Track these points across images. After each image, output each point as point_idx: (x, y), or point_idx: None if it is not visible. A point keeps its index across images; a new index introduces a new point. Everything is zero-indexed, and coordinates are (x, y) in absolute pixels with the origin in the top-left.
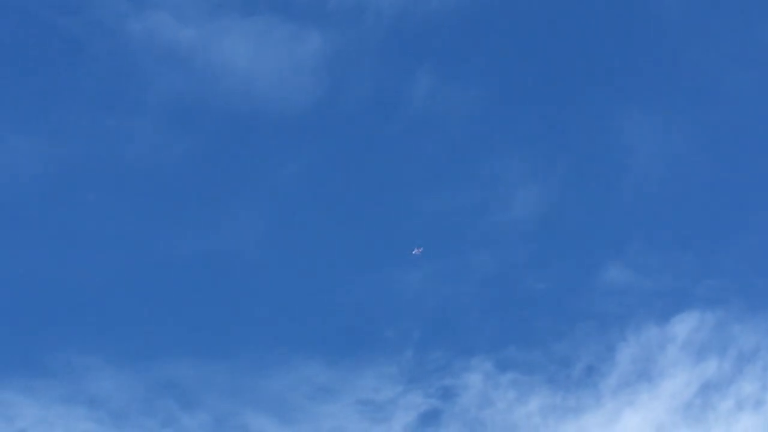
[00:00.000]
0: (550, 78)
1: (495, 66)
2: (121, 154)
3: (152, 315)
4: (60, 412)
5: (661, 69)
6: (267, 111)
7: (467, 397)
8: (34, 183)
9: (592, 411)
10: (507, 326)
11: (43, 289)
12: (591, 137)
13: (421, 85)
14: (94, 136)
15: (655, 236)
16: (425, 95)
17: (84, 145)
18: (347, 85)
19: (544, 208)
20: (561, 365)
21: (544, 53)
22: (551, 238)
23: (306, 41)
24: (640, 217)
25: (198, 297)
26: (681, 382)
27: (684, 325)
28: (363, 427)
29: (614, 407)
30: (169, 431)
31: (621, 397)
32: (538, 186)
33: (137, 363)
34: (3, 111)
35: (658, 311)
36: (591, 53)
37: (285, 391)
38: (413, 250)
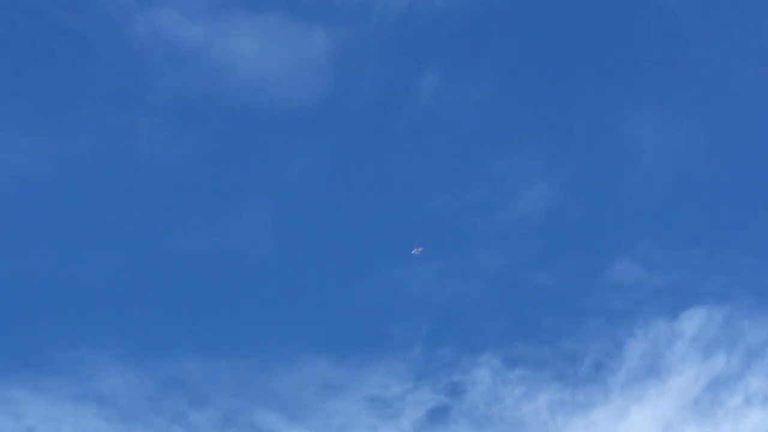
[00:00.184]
0: (556, 76)
1: (501, 64)
2: (128, 152)
3: (160, 313)
4: (68, 409)
5: (668, 66)
6: (274, 108)
7: (475, 393)
8: (42, 181)
9: (600, 407)
10: (515, 323)
11: (50, 287)
12: (598, 134)
13: (428, 83)
14: (101, 133)
15: (663, 233)
16: (431, 93)
17: (91, 143)
18: (354, 83)
19: (552, 205)
20: (569, 361)
21: (550, 51)
22: (559, 235)
23: (313, 39)
24: (648, 214)
25: (206, 295)
26: (689, 378)
27: (692, 321)
28: (372, 424)
29: (622, 403)
30: (177, 428)
31: (629, 392)
32: (545, 183)
33: (146, 361)
34: (11, 109)
35: (666, 307)
36: (597, 51)
37: (293, 388)
38: (413, 250)
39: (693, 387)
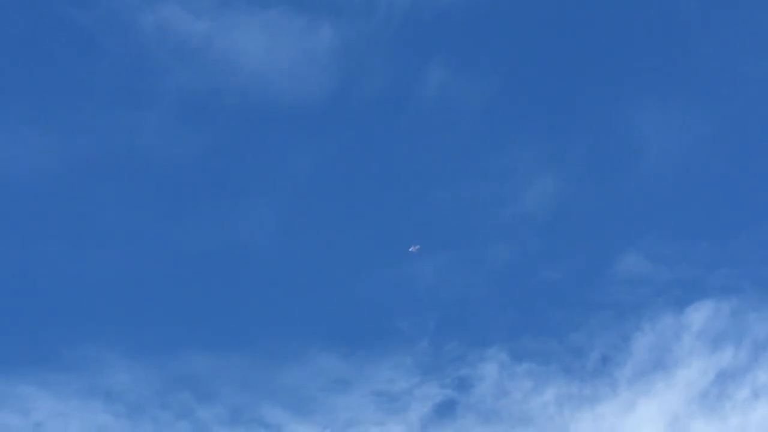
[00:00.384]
0: (561, 71)
1: (507, 58)
2: (134, 148)
3: (168, 308)
4: (76, 405)
5: (673, 60)
6: (280, 104)
7: (483, 388)
8: (47, 177)
9: (607, 400)
10: (522, 317)
11: (56, 283)
12: (604, 127)
13: (434, 77)
14: (107, 129)
15: (670, 226)
16: (437, 88)
17: (97, 139)
18: (360, 77)
19: (558, 199)
20: (576, 355)
21: (555, 46)
22: (565, 229)
23: (318, 34)
24: (655, 207)
25: (213, 291)
26: (697, 371)
27: (699, 314)
28: (379, 418)
29: (630, 397)
30: (185, 424)
31: (637, 386)
32: (551, 177)
33: (153, 356)
34: (15, 105)
35: (673, 300)
36: (603, 45)
37: (300, 383)
38: (410, 248)
39: (700, 380)
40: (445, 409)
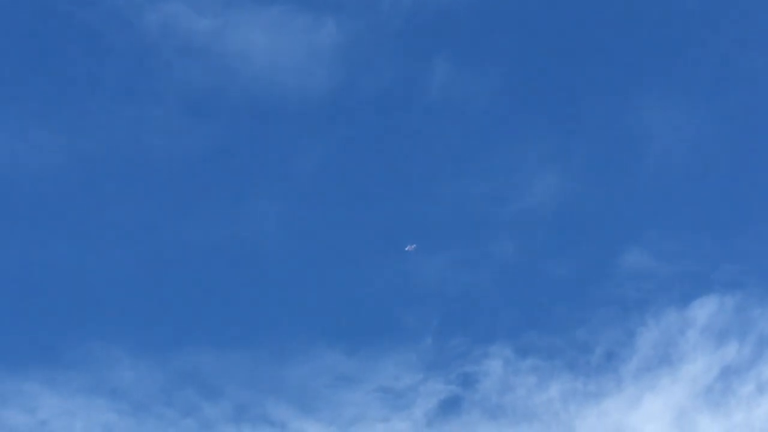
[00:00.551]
0: (566, 65)
1: (512, 53)
2: (139, 145)
3: (172, 305)
4: (81, 403)
5: (678, 55)
6: (284, 100)
7: (487, 384)
8: (53, 174)
9: (612, 396)
10: (527, 312)
11: (63, 280)
12: (609, 123)
13: (438, 73)
14: (112, 127)
15: (674, 221)
16: (442, 83)
17: (102, 137)
18: (364, 73)
19: (563, 195)
20: (581, 351)
21: (560, 42)
22: (570, 225)
23: (322, 30)
24: (659, 202)
25: (218, 287)
26: (701, 367)
27: (704, 310)
28: (383, 415)
29: (635, 392)
30: (190, 421)
31: (641, 381)
32: (556, 172)
33: (158, 353)
34: (21, 103)
35: (678, 296)
36: (608, 41)
37: (305, 379)
38: (406, 247)
39: (705, 375)
40: (450, 405)
